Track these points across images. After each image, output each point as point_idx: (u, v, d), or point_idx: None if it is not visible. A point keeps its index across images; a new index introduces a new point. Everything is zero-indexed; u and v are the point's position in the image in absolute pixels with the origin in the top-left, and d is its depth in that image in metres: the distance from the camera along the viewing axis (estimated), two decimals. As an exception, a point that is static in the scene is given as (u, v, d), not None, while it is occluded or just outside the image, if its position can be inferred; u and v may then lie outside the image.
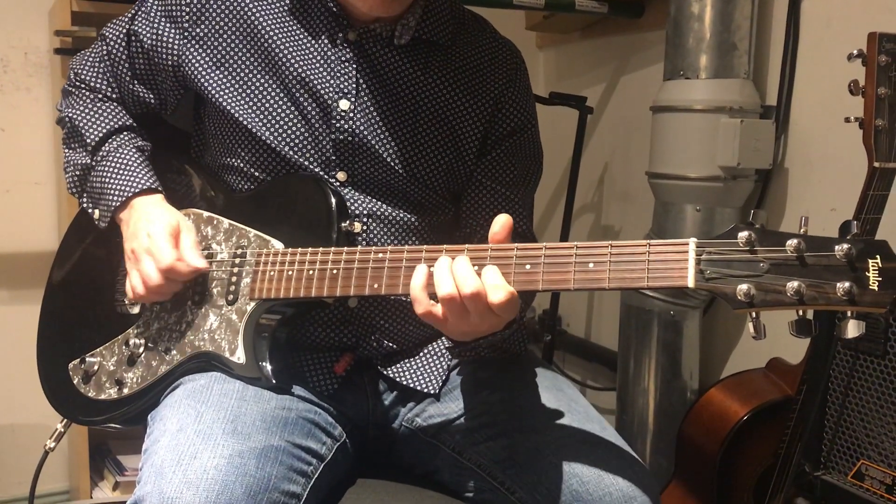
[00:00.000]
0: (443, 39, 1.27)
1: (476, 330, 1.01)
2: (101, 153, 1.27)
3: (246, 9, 1.24)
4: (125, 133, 1.30)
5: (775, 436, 1.66)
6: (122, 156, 1.25)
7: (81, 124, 1.29)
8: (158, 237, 1.15)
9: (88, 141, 1.27)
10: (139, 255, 1.16)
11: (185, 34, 1.24)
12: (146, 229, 1.17)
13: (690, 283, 0.88)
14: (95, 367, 1.25)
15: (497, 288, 0.95)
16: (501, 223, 0.99)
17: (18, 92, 2.25)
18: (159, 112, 1.34)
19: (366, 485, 1.20)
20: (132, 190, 1.22)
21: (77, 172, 1.29)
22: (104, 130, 1.28)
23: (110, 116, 1.29)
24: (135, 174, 1.23)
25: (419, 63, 1.25)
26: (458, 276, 0.97)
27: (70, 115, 1.31)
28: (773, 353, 1.89)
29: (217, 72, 1.23)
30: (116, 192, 1.22)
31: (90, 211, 1.28)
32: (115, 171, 1.24)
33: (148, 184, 1.23)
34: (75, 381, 1.26)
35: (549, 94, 2.34)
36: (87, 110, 1.30)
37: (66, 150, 1.32)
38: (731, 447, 1.77)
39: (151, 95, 1.31)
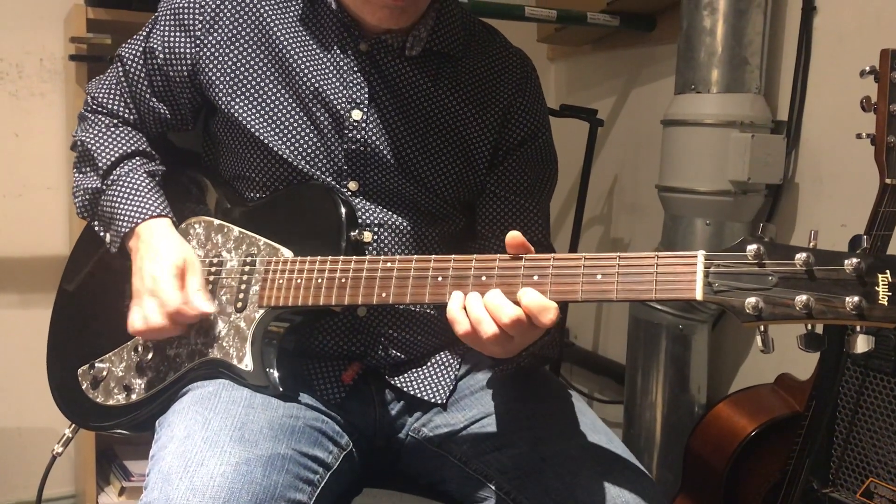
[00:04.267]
0: (454, 51, 1.27)
1: (519, 346, 1.00)
2: (111, 177, 1.26)
3: (260, 18, 1.25)
4: (137, 158, 1.29)
5: (783, 452, 1.65)
6: (133, 181, 1.25)
7: (94, 148, 1.28)
8: (164, 280, 1.14)
9: (100, 165, 1.27)
10: (142, 295, 1.15)
11: (198, 42, 1.25)
12: (151, 271, 1.15)
13: (698, 295, 0.87)
14: (104, 373, 1.25)
15: (547, 310, 0.94)
16: (513, 244, 0.97)
17: (33, 97, 2.27)
18: (179, 129, 1.34)
19: (372, 494, 1.20)
20: (140, 217, 1.21)
21: (87, 197, 1.28)
22: (116, 155, 1.27)
23: (123, 141, 1.29)
24: (144, 200, 1.22)
25: (430, 74, 1.26)
26: (493, 310, 0.95)
27: (83, 139, 1.30)
28: (782, 369, 1.89)
29: (230, 81, 1.23)
30: (125, 219, 1.22)
31: (102, 235, 1.27)
32: (125, 195, 1.23)
33: (157, 210, 1.22)
34: (84, 387, 1.27)
35: (559, 107, 2.34)
36: (100, 135, 1.29)
37: (77, 175, 1.31)
38: (738, 463, 1.77)
39: (170, 112, 1.30)
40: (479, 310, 0.96)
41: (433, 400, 1.25)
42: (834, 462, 1.60)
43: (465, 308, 0.97)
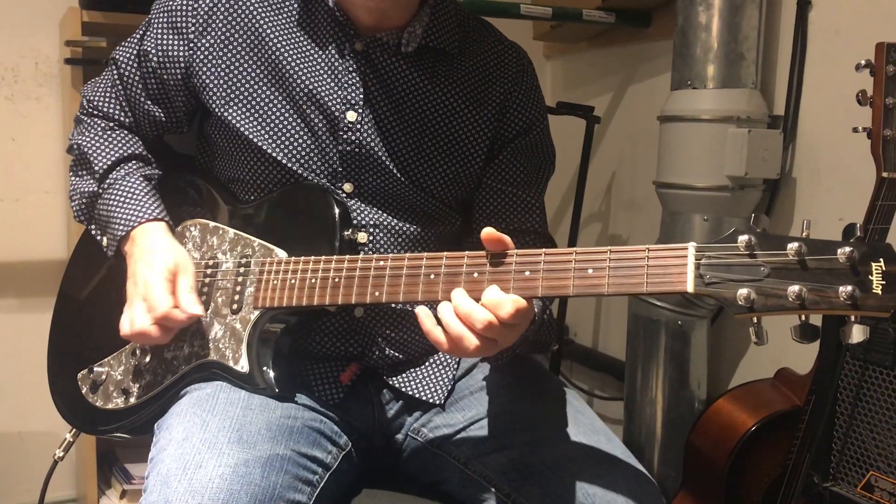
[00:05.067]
0: (449, 47, 1.27)
1: (504, 344, 0.99)
2: (108, 181, 1.26)
3: (253, 20, 1.24)
4: (133, 162, 1.28)
5: (784, 446, 1.65)
6: (129, 184, 1.24)
7: (90, 152, 1.28)
8: (154, 284, 1.13)
9: (96, 168, 1.26)
10: (132, 299, 1.15)
11: (191, 46, 1.24)
12: (143, 275, 1.15)
13: (690, 287, 0.87)
14: (103, 377, 1.25)
15: (502, 304, 0.94)
16: (490, 239, 0.97)
17: (29, 101, 2.27)
18: (174, 132, 1.34)
19: (371, 494, 1.20)
20: (136, 221, 1.21)
21: (84, 200, 1.28)
22: (112, 159, 1.27)
23: (120, 144, 1.29)
24: (140, 204, 1.22)
25: (426, 71, 1.26)
26: (464, 317, 0.95)
27: (79, 142, 1.30)
28: (782, 364, 1.88)
29: (223, 85, 1.23)
30: (121, 222, 1.21)
31: (99, 238, 1.27)
32: (121, 199, 1.23)
33: (152, 214, 1.22)
34: (83, 391, 1.27)
35: (556, 104, 2.34)
36: (96, 138, 1.29)
37: (73, 178, 1.30)
38: (739, 458, 1.76)
39: (165, 115, 1.30)
40: (457, 326, 0.96)
41: (431, 400, 1.24)
42: (834, 456, 1.60)
43: (440, 323, 0.97)
